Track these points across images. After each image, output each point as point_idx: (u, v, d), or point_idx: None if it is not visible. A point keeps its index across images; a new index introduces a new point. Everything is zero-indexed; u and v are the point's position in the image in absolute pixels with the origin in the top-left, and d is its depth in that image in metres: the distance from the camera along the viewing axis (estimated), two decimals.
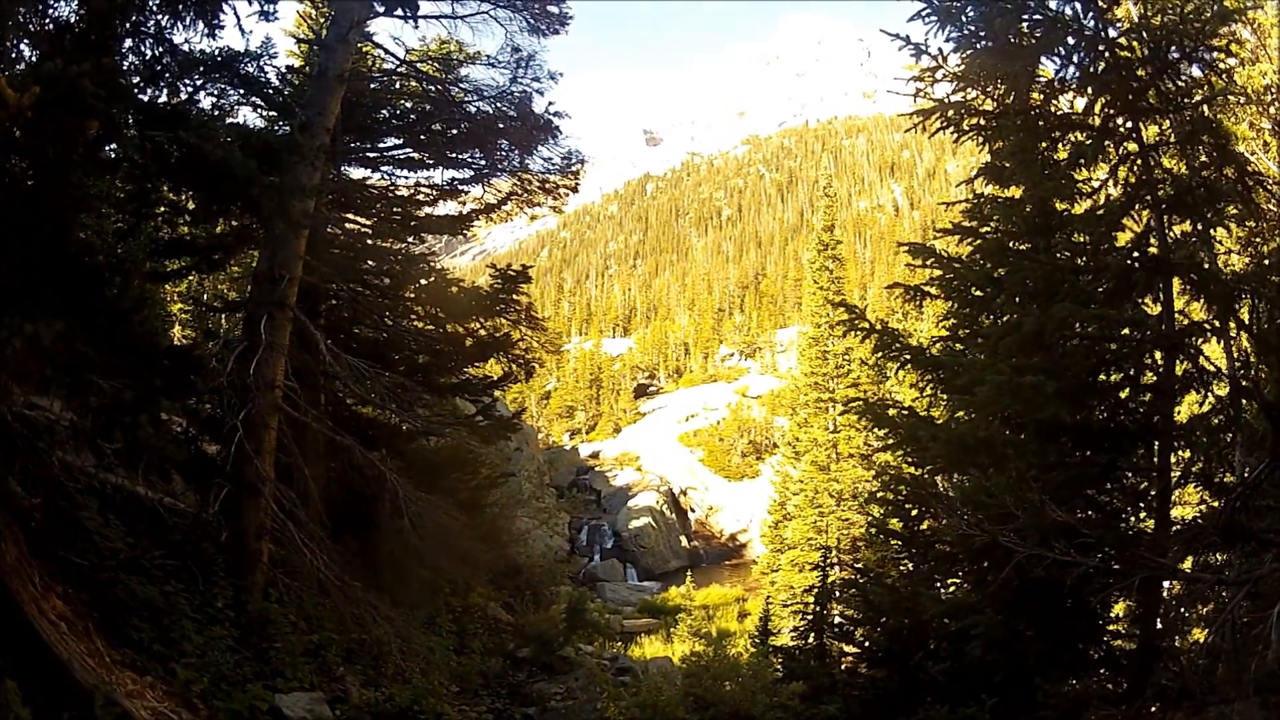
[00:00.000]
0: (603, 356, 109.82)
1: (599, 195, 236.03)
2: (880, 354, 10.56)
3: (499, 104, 14.72)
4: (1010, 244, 9.57)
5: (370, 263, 14.93)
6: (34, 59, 6.22)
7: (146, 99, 6.87)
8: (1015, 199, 9.60)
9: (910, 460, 10.52)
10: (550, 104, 14.75)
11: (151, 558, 8.27)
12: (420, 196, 15.94)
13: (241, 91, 10.88)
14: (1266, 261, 10.38)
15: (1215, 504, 8.20)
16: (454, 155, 15.42)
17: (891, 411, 10.40)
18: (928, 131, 10.32)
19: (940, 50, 9.73)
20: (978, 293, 9.87)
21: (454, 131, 15.01)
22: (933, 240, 11.29)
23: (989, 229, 9.86)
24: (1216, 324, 8.01)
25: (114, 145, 6.52)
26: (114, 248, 7.08)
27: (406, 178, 16.09)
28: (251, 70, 9.79)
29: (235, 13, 7.89)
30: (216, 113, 8.20)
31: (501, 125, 14.93)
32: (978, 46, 9.45)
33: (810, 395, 33.82)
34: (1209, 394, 8.25)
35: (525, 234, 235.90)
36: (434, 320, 15.74)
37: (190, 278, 15.66)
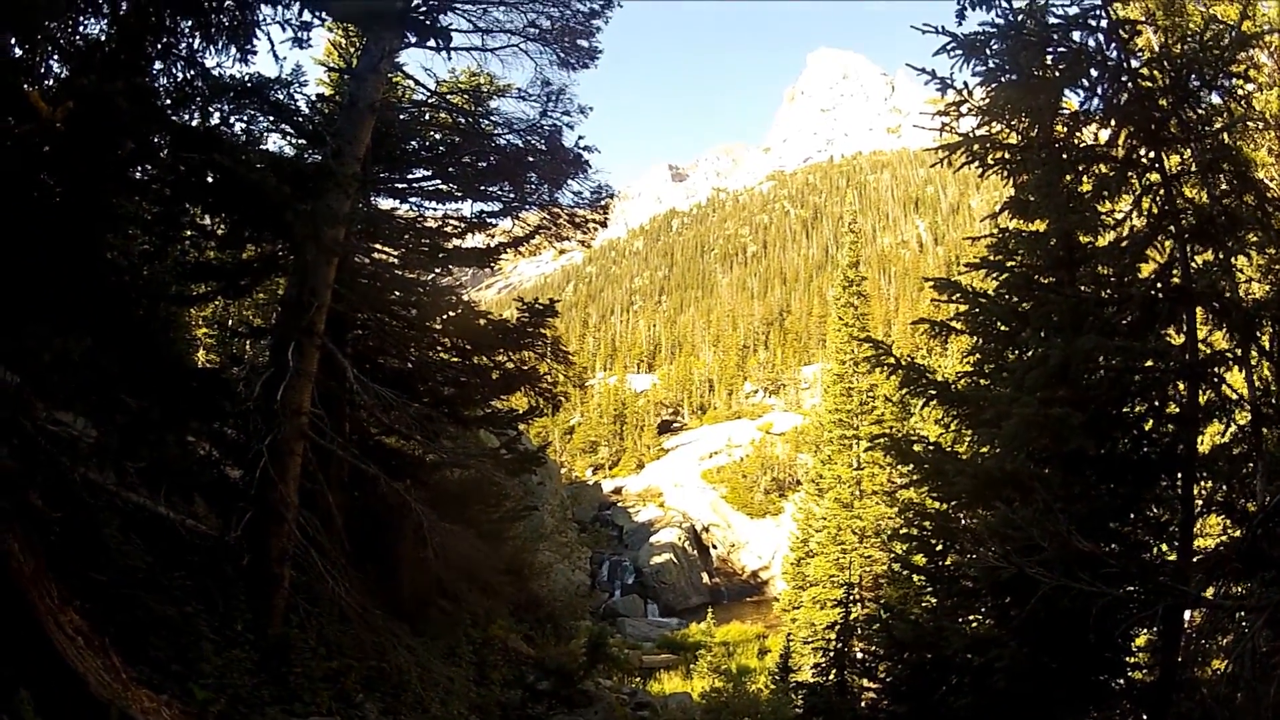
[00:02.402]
0: (627, 392, 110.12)
1: (625, 230, 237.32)
2: (906, 390, 10.54)
3: (529, 137, 14.70)
4: (1035, 278, 9.56)
5: (397, 293, 14.91)
6: (65, 74, 6.30)
7: (179, 121, 6.94)
8: (1040, 233, 9.61)
9: (935, 495, 10.46)
10: (580, 138, 14.75)
11: (172, 577, 8.27)
12: (448, 228, 15.91)
13: (272, 118, 10.92)
14: None
15: (1238, 532, 8.15)
16: (483, 188, 15.40)
17: (917, 447, 10.35)
18: (953, 166, 10.37)
19: (965, 84, 9.82)
20: (1003, 327, 9.86)
21: (483, 164, 15.00)
22: (958, 275, 11.29)
23: (1014, 263, 9.86)
24: (1238, 352, 7.96)
25: (146, 166, 6.58)
26: (140, 269, 7.14)
27: (435, 209, 16.04)
28: (282, 97, 9.82)
29: (269, 38, 8.00)
30: (246, 139, 8.29)
31: (531, 159, 14.90)
32: (1002, 80, 9.48)
33: (834, 432, 33.81)
34: (1231, 422, 8.22)
35: (550, 268, 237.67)
36: (460, 352, 15.75)
37: (215, 302, 15.75)
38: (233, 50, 7.49)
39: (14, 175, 5.53)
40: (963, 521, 10.09)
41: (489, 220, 16.09)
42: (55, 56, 6.45)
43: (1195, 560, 7.74)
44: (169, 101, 6.89)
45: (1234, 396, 8.14)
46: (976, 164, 10.25)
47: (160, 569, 8.26)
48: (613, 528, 73.31)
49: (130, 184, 6.61)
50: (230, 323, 19.76)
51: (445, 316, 15.71)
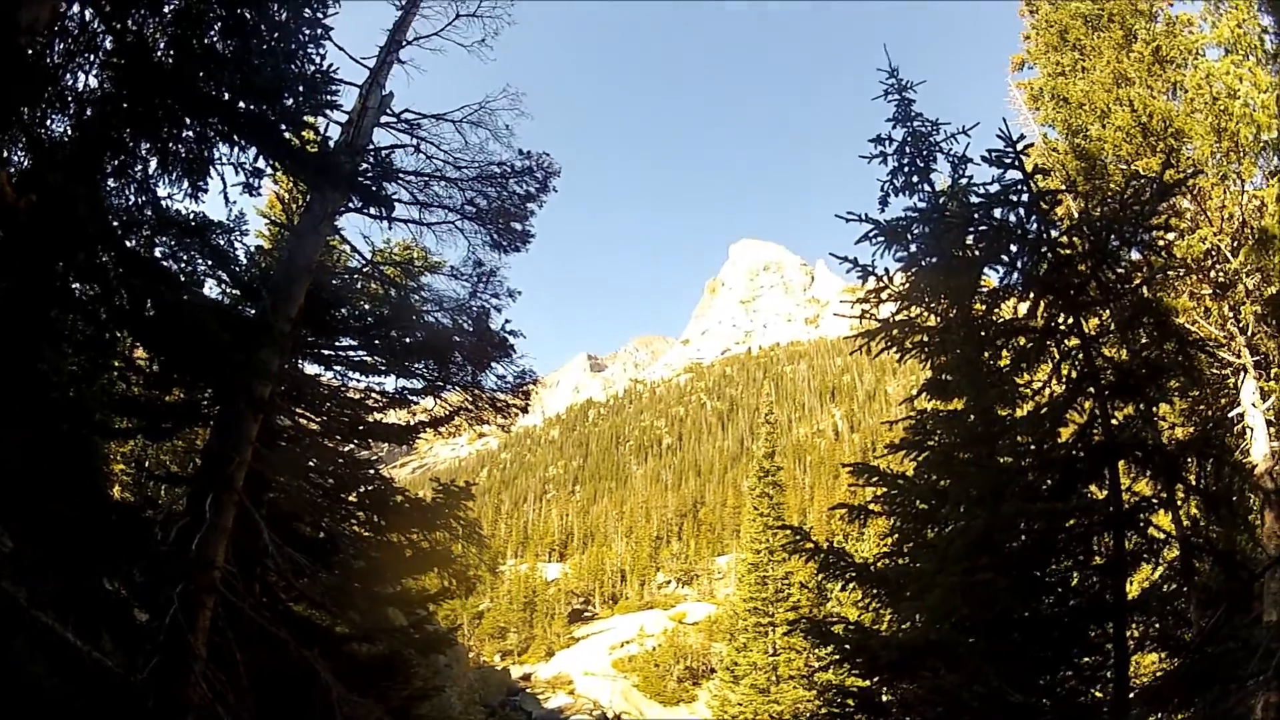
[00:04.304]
0: (538, 580, 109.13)
1: (541, 419, 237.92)
2: (824, 574, 10.54)
3: (458, 316, 14.70)
4: (955, 454, 9.73)
5: (315, 461, 14.67)
6: (26, 166, 6.25)
7: (129, 245, 6.92)
8: (958, 411, 9.86)
9: (858, 672, 10.36)
10: (507, 321, 14.89)
11: (76, 707, 7.82)
12: (370, 401, 15.75)
13: (210, 263, 10.91)
14: (1210, 425, 10.67)
15: (1174, 663, 8.21)
16: (408, 364, 15.23)
17: (837, 628, 10.29)
18: (871, 353, 10.65)
19: (886, 270, 10.20)
20: (922, 505, 10.01)
21: (410, 339, 14.88)
22: (875, 460, 11.47)
23: (933, 442, 10.06)
24: (1164, 495, 8.16)
25: (90, 284, 6.50)
26: (67, 389, 6.97)
27: (358, 380, 15.94)
28: (223, 243, 9.85)
29: (222, 178, 8.09)
30: (186, 279, 8.29)
31: (458, 338, 14.83)
32: (923, 264, 9.88)
33: (749, 620, 33.82)
34: (1159, 562, 8.36)
35: (466, 452, 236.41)
36: (374, 527, 15.37)
37: (135, 441, 15.29)
38: (185, 184, 7.55)
39: None
40: (885, 696, 10.01)
41: (411, 398, 15.99)
42: (21, 145, 6.44)
43: (1132, 695, 7.74)
44: (117, 224, 6.87)
45: (1161, 536, 8.29)
46: (895, 349, 10.51)
47: (66, 697, 7.81)
48: (522, 713, 71.13)
49: (72, 300, 6.51)
50: (148, 464, 19.18)
51: (361, 489, 15.42)
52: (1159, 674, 8.56)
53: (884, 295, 10.33)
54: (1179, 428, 11.95)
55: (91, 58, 6.85)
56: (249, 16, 7.90)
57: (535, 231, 14.44)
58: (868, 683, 10.27)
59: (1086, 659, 8.64)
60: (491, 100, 13.74)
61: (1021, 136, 8.57)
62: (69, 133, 6.70)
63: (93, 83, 6.99)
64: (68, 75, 6.83)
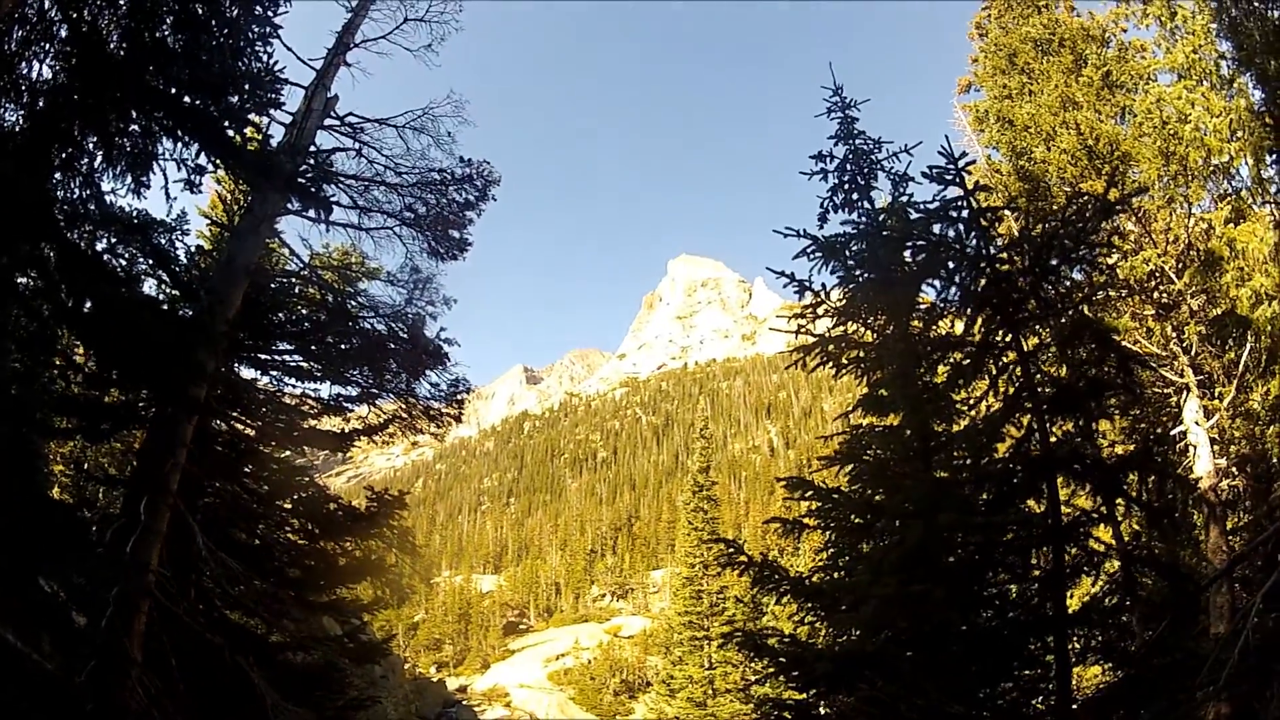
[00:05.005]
0: (473, 592, 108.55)
1: (476, 430, 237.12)
2: (758, 588, 10.51)
3: (393, 323, 14.67)
4: (889, 469, 9.79)
5: (250, 466, 14.48)
6: None
7: (71, 239, 6.80)
8: (893, 426, 9.90)
9: (794, 685, 10.37)
10: (442, 329, 14.82)
11: (18, 710, 7.65)
12: (306, 408, 15.58)
13: (151, 262, 10.72)
14: (1152, 440, 10.80)
15: (1118, 675, 8.32)
16: (344, 370, 15.08)
17: (772, 641, 10.29)
18: (807, 368, 10.60)
19: (824, 285, 10.20)
20: (857, 519, 9.99)
21: (346, 345, 14.72)
22: (810, 474, 11.50)
23: (869, 456, 10.11)
24: (1104, 510, 8.27)
25: (32, 275, 6.37)
26: (9, 386, 6.82)
27: (294, 386, 15.70)
28: (164, 242, 9.68)
29: (164, 174, 7.98)
30: (126, 276, 8.16)
31: (393, 345, 14.77)
32: (861, 279, 9.94)
33: (685, 634, 33.87)
34: (1099, 574, 8.48)
35: (400, 462, 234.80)
36: (308, 535, 15.16)
37: (74, 441, 14.98)
38: (129, 179, 7.45)
39: None
40: (823, 709, 10.05)
41: (346, 405, 15.82)
42: None
43: (1075, 707, 7.83)
44: (61, 217, 6.75)
45: (1102, 549, 8.36)
46: (831, 364, 10.51)
47: (8, 700, 7.64)
48: None
49: (15, 294, 6.38)
50: (86, 466, 18.78)
51: (296, 497, 15.23)
52: (1102, 686, 8.66)
53: (821, 311, 10.30)
54: (1119, 445, 12.16)
55: (47, 46, 6.76)
56: (201, 11, 7.84)
57: (473, 240, 14.50)
58: (804, 695, 10.26)
59: (1028, 671, 8.67)
60: (435, 106, 13.77)
61: (964, 154, 8.60)
62: (20, 123, 6.60)
63: (46, 72, 6.90)
64: (23, 64, 6.74)
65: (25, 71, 6.85)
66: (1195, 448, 15.33)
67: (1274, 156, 14.64)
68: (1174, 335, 16.22)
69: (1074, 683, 8.29)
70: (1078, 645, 8.42)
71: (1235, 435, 16.15)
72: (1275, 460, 15.30)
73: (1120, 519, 8.61)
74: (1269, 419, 15.34)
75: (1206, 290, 15.62)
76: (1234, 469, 15.99)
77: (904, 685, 7.56)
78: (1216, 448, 15.72)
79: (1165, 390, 16.55)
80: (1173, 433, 16.05)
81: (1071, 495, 8.86)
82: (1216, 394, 16.04)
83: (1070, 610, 8.19)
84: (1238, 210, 15.59)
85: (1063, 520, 8.04)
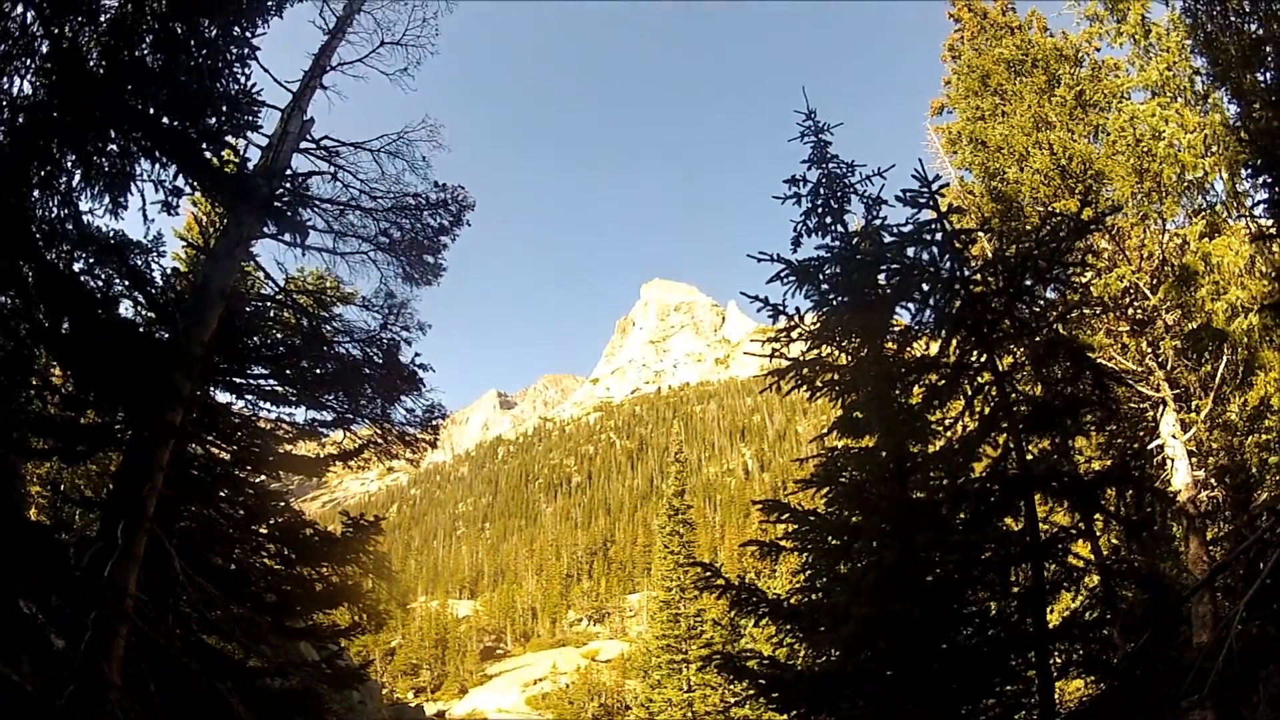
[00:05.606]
0: (449, 617, 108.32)
1: (451, 455, 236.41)
2: (736, 610, 10.46)
3: (368, 348, 14.61)
4: (866, 490, 9.80)
5: (226, 491, 14.38)
6: None
7: (49, 258, 6.76)
8: (869, 448, 9.87)
9: (774, 707, 10.33)
10: (417, 354, 14.81)
11: None
12: (281, 432, 15.48)
13: (128, 283, 10.65)
14: (1129, 455, 10.81)
15: (1101, 687, 8.33)
16: (319, 395, 15.03)
17: (751, 663, 10.27)
18: (781, 392, 10.55)
19: (798, 309, 10.21)
20: (834, 541, 9.96)
21: (321, 370, 14.67)
22: (786, 497, 11.49)
23: (845, 478, 10.11)
24: (1082, 525, 8.31)
25: (12, 293, 6.32)
26: None
27: (269, 411, 15.61)
28: (140, 264, 9.65)
29: (142, 195, 7.96)
30: (102, 297, 8.12)
31: (368, 370, 14.72)
32: (835, 302, 9.96)
33: (663, 657, 33.77)
34: (1079, 589, 8.50)
35: (375, 487, 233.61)
36: (284, 560, 15.05)
37: (50, 463, 14.81)
38: (106, 199, 7.42)
39: None
40: None
41: (321, 430, 15.74)
42: None
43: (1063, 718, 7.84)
44: (39, 236, 6.72)
45: (1081, 564, 8.40)
46: (805, 387, 10.42)
47: None
48: None
49: None
50: (63, 487, 18.59)
51: (272, 522, 15.12)
52: (1085, 699, 8.67)
53: (795, 334, 10.24)
54: (1097, 461, 12.23)
55: (29, 62, 6.74)
56: (180, 31, 7.84)
57: (448, 265, 14.48)
58: (785, 717, 10.26)
59: (1010, 687, 8.66)
60: (410, 130, 13.78)
61: (937, 177, 8.69)
62: (1, 139, 6.57)
63: (27, 88, 6.88)
64: (4, 78, 6.72)
65: (6, 86, 6.85)
66: (1173, 461, 15.45)
67: (1249, 170, 14.76)
68: (1149, 350, 16.39)
69: (1057, 697, 8.30)
70: (1059, 660, 8.43)
71: (1213, 447, 16.35)
72: (1255, 470, 15.46)
73: (1099, 534, 8.63)
74: (1247, 429, 15.50)
75: (1182, 305, 15.76)
76: (1212, 480, 16.14)
77: (885, 705, 7.57)
78: (1194, 460, 15.85)
79: (1141, 405, 16.69)
80: (1150, 447, 16.18)
81: (1049, 512, 8.90)
82: (1193, 407, 16.19)
83: (1051, 625, 8.23)
84: (1212, 224, 15.81)
85: (1041, 537, 8.08)
